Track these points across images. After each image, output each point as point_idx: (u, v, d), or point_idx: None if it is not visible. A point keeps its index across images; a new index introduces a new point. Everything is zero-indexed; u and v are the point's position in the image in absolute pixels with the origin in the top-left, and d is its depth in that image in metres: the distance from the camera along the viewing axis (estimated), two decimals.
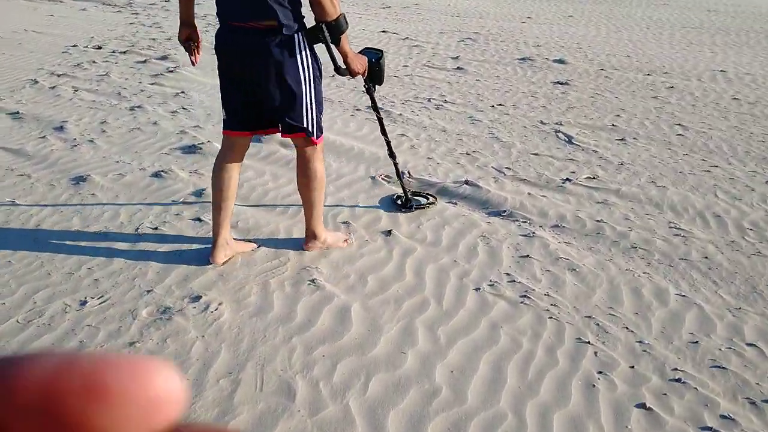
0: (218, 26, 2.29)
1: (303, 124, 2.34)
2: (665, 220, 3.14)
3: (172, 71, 5.56)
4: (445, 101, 5.15)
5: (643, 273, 2.64)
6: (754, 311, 2.39)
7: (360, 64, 2.41)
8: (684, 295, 2.47)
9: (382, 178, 3.51)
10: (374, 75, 2.57)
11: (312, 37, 2.26)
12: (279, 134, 2.42)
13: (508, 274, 2.57)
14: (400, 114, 4.75)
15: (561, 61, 6.76)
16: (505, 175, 3.66)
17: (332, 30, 2.22)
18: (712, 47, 8.20)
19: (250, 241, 2.72)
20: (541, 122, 4.68)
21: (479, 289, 2.44)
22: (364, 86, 2.65)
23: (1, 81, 5.38)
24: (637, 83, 5.99)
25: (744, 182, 3.64)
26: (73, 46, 6.50)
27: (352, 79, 2.54)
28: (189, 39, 2.44)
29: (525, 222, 3.08)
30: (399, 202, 3.20)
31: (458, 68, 6.32)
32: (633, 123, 4.74)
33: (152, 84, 5.13)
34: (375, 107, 2.82)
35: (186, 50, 2.48)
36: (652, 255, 2.79)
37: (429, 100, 5.17)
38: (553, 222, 3.09)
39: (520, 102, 5.22)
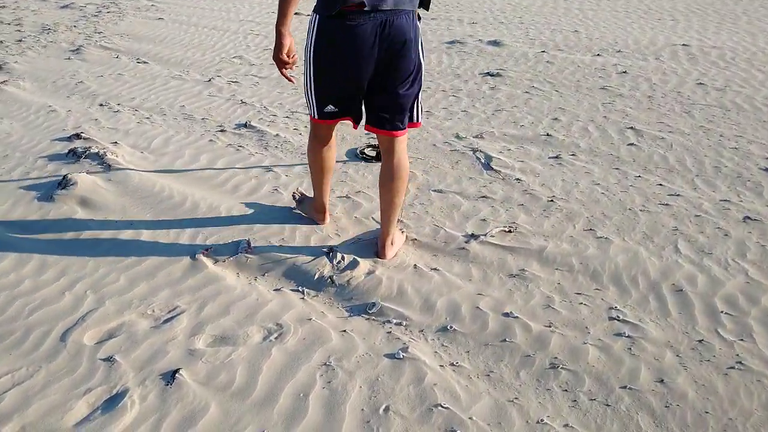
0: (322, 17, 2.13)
1: (417, 117, 2.34)
2: (605, 303, 2.18)
3: None
4: None
5: (563, 428, 1.68)
6: None
7: None
8: None
9: (207, 256, 2.47)
10: None
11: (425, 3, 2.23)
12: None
13: None
14: (277, 135, 3.67)
15: (496, 43, 5.70)
16: None
17: None
18: (673, 13, 7.21)
19: None
20: (457, 136, 3.65)
21: None
22: None
23: None
24: (583, 68, 4.97)
25: (714, 221, 2.69)
26: None
27: None
28: (289, 52, 2.17)
29: (400, 324, 2.08)
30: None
31: None
32: (574, 129, 3.74)
33: None
34: None
35: (283, 66, 2.17)
36: (580, 382, 1.82)
37: None
38: (440, 322, 2.09)
39: (438, 105, 4.17)
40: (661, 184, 3.03)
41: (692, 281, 2.28)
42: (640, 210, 2.79)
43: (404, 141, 2.33)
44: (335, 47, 2.14)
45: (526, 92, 4.40)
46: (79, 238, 2.57)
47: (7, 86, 4.39)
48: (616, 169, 3.21)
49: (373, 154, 3.43)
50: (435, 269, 2.38)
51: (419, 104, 2.31)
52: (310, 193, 2.79)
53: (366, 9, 2.06)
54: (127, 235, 2.59)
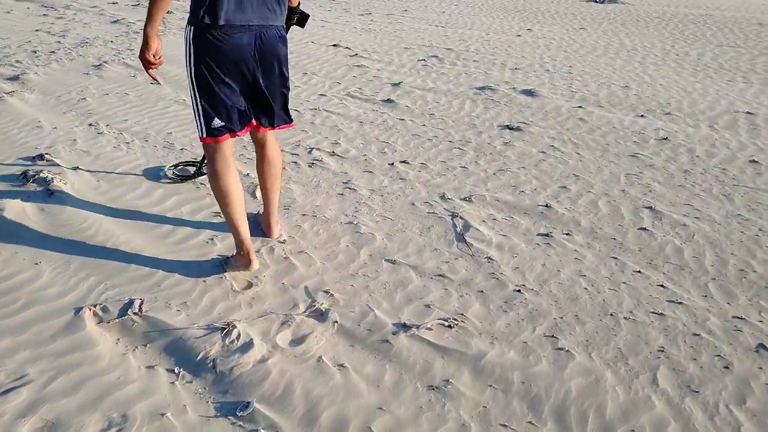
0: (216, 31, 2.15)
1: (291, 118, 2.52)
2: None
3: None
4: (333, 153, 3.76)
5: None
6: None
7: None
8: None
9: (93, 313, 2.17)
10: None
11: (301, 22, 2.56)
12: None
13: None
14: (247, 174, 3.39)
15: (530, 93, 5.23)
16: (313, 308, 2.26)
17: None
18: (749, 75, 6.46)
19: None
20: (442, 197, 3.23)
21: None
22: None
23: None
24: (619, 130, 4.41)
25: (716, 346, 2.11)
26: None
27: None
28: (156, 53, 2.21)
29: None
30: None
31: (388, 100, 4.89)
32: (581, 202, 3.22)
33: None
34: None
35: (149, 66, 2.21)
36: None
37: (311, 150, 3.79)
38: None
39: (436, 158, 3.77)
40: (663, 285, 2.47)
41: (660, 430, 1.74)
42: (625, 318, 2.26)
43: (273, 133, 2.55)
44: (214, 60, 2.17)
45: (542, 152, 3.92)
46: None
47: (12, 97, 4.41)
48: (614, 258, 2.68)
49: (192, 170, 3.38)
50: (341, 366, 1.97)
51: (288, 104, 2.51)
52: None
53: (239, 24, 2.16)
54: (25, 276, 2.36)
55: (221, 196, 2.30)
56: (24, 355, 1.96)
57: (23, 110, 4.22)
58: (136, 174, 3.34)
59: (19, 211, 2.75)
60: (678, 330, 2.20)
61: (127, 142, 3.76)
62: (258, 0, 2.19)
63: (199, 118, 2.25)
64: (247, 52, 2.21)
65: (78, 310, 2.17)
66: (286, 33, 2.40)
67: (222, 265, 2.49)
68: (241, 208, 2.34)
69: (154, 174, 3.35)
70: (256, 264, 2.42)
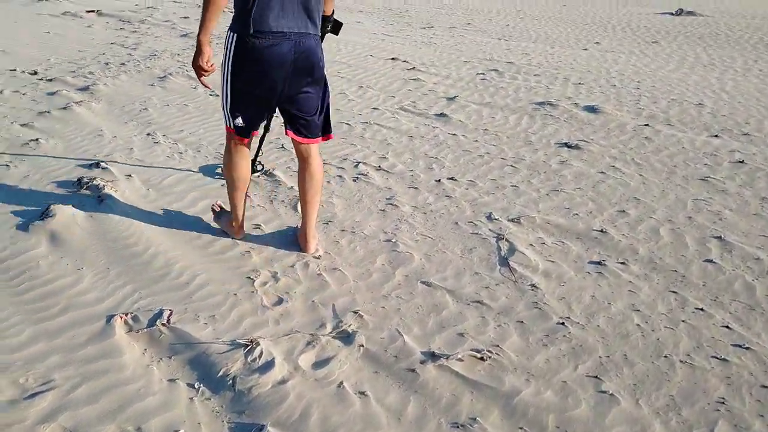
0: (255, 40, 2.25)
1: (331, 129, 2.59)
2: None
3: (65, 108, 4.59)
4: (379, 167, 3.68)
5: None
6: None
7: None
8: None
9: (124, 321, 2.18)
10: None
11: (335, 30, 2.71)
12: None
13: None
14: (291, 187, 3.37)
15: (592, 109, 4.97)
16: (340, 329, 2.17)
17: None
18: None
19: None
20: (489, 216, 3.08)
21: None
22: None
23: None
24: (689, 151, 4.10)
25: None
26: (12, 69, 5.81)
27: None
28: (208, 61, 2.33)
29: None
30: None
31: (441, 115, 4.78)
32: (640, 228, 2.98)
33: (23, 125, 4.20)
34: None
35: (201, 74, 2.32)
36: None
37: (357, 164, 3.73)
38: None
39: (485, 176, 3.61)
40: (728, 327, 2.22)
41: None
42: (681, 361, 2.03)
43: (318, 146, 2.59)
44: (252, 66, 2.28)
45: (602, 172, 3.68)
46: (19, 277, 2.43)
47: (80, 107, 4.62)
48: (674, 292, 2.44)
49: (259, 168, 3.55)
50: (363, 393, 1.87)
51: (330, 117, 2.56)
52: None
53: (281, 32, 2.24)
54: (67, 281, 2.41)
55: (227, 177, 2.63)
56: (54, 360, 1.99)
57: (88, 119, 4.42)
58: (189, 173, 3.42)
59: (69, 216, 2.84)
60: (743, 379, 1.95)
61: (180, 152, 3.84)
62: (298, 9, 2.28)
63: (226, 112, 2.46)
64: (287, 60, 2.28)
65: (110, 318, 2.19)
66: (321, 41, 2.42)
67: (216, 215, 2.88)
68: (240, 192, 2.65)
69: (209, 171, 3.56)
70: (242, 234, 2.78)
